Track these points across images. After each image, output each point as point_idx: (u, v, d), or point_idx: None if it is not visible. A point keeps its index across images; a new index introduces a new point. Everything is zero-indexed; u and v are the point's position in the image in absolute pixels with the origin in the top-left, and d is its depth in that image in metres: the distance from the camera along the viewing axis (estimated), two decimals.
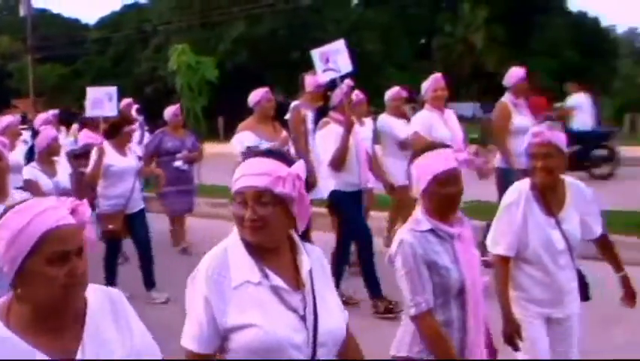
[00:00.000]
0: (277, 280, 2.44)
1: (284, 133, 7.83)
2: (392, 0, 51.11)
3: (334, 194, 7.06)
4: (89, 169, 7.72)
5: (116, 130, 7.71)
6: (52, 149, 7.40)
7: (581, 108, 16.89)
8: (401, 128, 9.16)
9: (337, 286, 6.61)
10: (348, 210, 7.11)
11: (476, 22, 52.54)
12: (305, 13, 42.74)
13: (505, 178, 7.47)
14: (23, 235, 2.06)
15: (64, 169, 7.62)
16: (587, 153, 15.57)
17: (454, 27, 53.04)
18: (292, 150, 7.74)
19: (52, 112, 11.41)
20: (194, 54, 27.76)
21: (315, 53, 7.33)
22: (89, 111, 7.84)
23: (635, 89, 50.98)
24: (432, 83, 7.89)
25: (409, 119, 9.05)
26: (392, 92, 9.97)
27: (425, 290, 3.30)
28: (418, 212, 3.44)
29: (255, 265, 2.45)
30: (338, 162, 6.86)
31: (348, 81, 7.47)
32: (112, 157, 7.62)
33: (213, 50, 34.78)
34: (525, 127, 7.52)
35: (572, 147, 10.36)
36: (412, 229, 3.40)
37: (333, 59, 7.24)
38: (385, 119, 9.48)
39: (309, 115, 8.02)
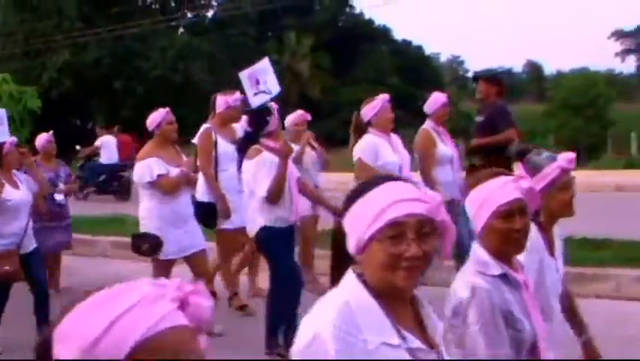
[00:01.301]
0: (416, 342, 2.13)
1: (185, 157, 7.59)
2: (217, 29, 53.29)
3: (264, 231, 6.48)
4: None
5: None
6: None
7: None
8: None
9: (271, 338, 6.61)
10: (278, 250, 6.56)
11: (302, 51, 56.62)
12: (129, 41, 44.84)
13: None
14: (102, 349, 1.28)
15: None
16: None
17: (280, 56, 56.19)
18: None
19: None
20: (16, 83, 28.30)
21: (244, 75, 7.03)
22: None
23: (458, 115, 54.77)
24: (377, 104, 7.39)
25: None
26: (294, 117, 9.68)
27: (504, 345, 2.93)
28: (481, 252, 3.07)
29: (389, 322, 2.09)
30: (275, 195, 6.31)
31: (273, 104, 7.12)
32: (6, 190, 7.06)
33: (37, 79, 35.87)
34: (449, 156, 7.88)
35: None
36: (481, 273, 3.02)
37: (263, 80, 7.02)
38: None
39: (219, 139, 7.88)
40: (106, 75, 44.45)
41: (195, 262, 7.42)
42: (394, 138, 7.54)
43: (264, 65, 7.22)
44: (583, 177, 20.09)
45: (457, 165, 8.10)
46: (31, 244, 7.39)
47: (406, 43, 69.42)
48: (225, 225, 7.91)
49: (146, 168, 7.14)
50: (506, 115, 8.61)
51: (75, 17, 44.35)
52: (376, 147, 7.31)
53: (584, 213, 11.57)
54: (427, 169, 7.83)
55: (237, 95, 7.94)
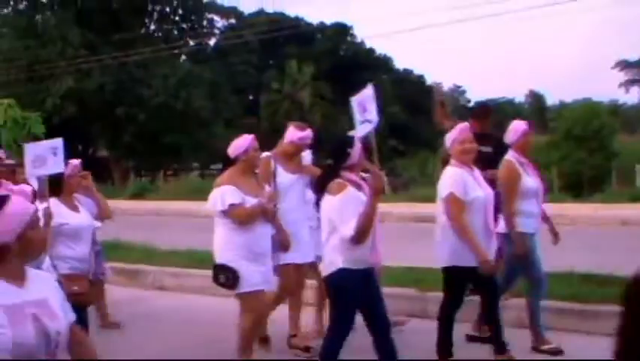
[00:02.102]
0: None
1: (267, 187, 7.10)
2: (219, 57, 54.31)
3: (341, 272, 5.89)
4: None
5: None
6: None
7: None
8: None
9: None
10: (349, 295, 5.96)
11: (303, 80, 57.40)
12: (132, 68, 45.80)
13: (512, 244, 7.21)
14: None
15: None
16: None
17: (281, 84, 57.65)
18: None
19: None
20: (20, 109, 29.14)
21: (355, 101, 6.87)
22: (31, 171, 7.05)
23: None
24: (457, 133, 6.87)
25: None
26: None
27: None
28: None
29: None
30: (363, 235, 5.78)
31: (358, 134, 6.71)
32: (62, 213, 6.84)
33: (41, 105, 36.76)
34: (535, 188, 7.41)
35: None
36: None
37: (370, 108, 6.79)
38: None
39: (280, 169, 7.56)
40: (108, 102, 45.49)
41: (252, 301, 6.84)
42: (477, 171, 6.90)
43: (370, 93, 6.88)
44: (588, 210, 19.22)
45: (542, 197, 7.60)
46: (101, 270, 7.17)
47: (407, 73, 70.40)
48: (287, 259, 7.37)
49: (219, 196, 6.73)
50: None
51: (78, 44, 45.43)
52: (465, 181, 6.67)
53: (589, 248, 11.17)
54: (508, 202, 7.28)
55: (309, 132, 7.58)
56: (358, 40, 66.35)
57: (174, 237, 14.22)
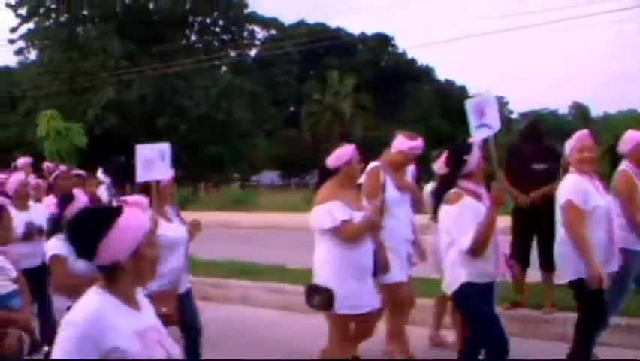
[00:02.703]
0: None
1: (365, 201, 6.63)
2: (260, 68, 54.39)
3: (466, 287, 5.74)
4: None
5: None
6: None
7: None
8: None
9: None
10: (480, 309, 5.85)
11: (344, 90, 57.17)
12: (173, 79, 45.98)
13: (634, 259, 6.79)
14: None
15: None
16: None
17: (322, 95, 57.50)
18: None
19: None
20: (62, 120, 29.32)
21: (470, 105, 6.40)
22: (141, 174, 6.65)
23: (505, 155, 54.79)
24: (575, 141, 6.58)
25: None
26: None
27: None
28: None
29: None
30: (481, 247, 5.65)
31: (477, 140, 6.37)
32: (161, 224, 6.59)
33: (82, 116, 37.09)
34: None
35: None
36: None
37: (489, 113, 6.35)
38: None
39: (389, 181, 7.11)
40: (149, 112, 45.82)
41: (365, 322, 6.47)
42: (597, 180, 6.52)
43: (490, 97, 6.46)
44: None
45: None
46: (185, 284, 6.70)
47: (449, 84, 70.05)
48: (394, 278, 6.96)
49: (328, 212, 6.12)
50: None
51: (119, 56, 45.85)
52: (586, 189, 6.32)
53: None
54: (632, 213, 6.89)
55: (419, 142, 7.11)
56: (400, 50, 66.10)
57: (215, 247, 14.14)
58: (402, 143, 7.04)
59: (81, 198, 6.01)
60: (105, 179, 12.50)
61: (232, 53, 55.72)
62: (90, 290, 2.83)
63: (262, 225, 21.03)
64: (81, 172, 10.81)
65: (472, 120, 6.19)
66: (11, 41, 51.17)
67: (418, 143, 7.03)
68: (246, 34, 57.20)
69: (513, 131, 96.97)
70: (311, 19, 66.77)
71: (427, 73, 67.74)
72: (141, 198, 5.92)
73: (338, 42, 57.84)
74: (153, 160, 6.48)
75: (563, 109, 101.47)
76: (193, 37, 54.79)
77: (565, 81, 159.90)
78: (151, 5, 50.93)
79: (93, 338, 2.70)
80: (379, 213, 6.48)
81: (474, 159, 5.74)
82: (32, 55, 52.40)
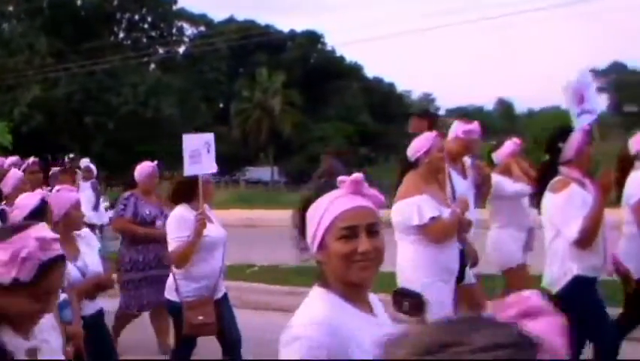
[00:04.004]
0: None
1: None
2: (189, 65, 54.24)
3: (576, 282, 5.26)
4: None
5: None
6: None
7: None
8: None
9: None
10: (594, 304, 5.40)
11: (273, 87, 57.51)
12: (101, 77, 45.76)
13: None
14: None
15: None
16: None
17: (251, 92, 57.74)
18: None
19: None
20: None
21: (567, 91, 5.81)
22: (189, 168, 6.00)
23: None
24: None
25: None
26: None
27: None
28: None
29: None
30: (589, 238, 5.25)
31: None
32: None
33: (8, 114, 36.53)
34: None
35: None
36: None
37: (589, 97, 5.80)
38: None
39: (452, 172, 6.53)
40: (77, 110, 45.43)
41: None
42: None
43: (587, 79, 5.90)
44: None
45: None
46: (222, 289, 6.17)
47: (378, 81, 70.52)
48: (472, 277, 6.51)
49: (415, 208, 5.56)
50: None
51: (46, 53, 45.32)
52: None
53: None
54: None
55: (476, 125, 6.73)
56: (329, 48, 66.54)
57: None
58: (457, 128, 6.68)
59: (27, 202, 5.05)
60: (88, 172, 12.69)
61: (161, 50, 55.50)
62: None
63: None
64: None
65: (573, 108, 5.75)
66: None
67: (475, 126, 6.70)
68: (174, 30, 56.98)
69: (440, 127, 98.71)
70: (240, 16, 66.76)
71: (355, 70, 68.12)
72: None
73: (267, 39, 57.89)
74: (200, 152, 5.97)
75: (488, 106, 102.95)
76: (121, 34, 54.39)
77: (490, 78, 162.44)
78: (78, 2, 50.37)
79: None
80: (466, 208, 5.93)
81: (572, 146, 5.40)
82: None
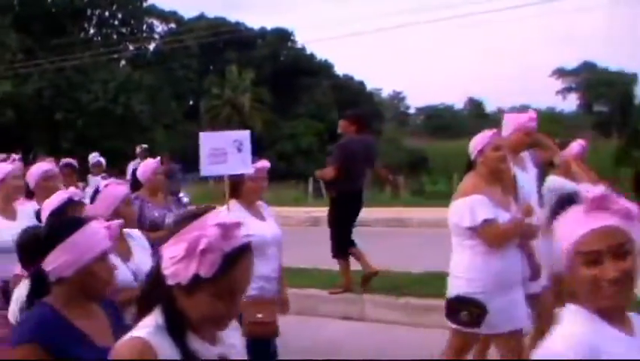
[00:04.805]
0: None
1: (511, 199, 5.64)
2: (159, 62, 54.41)
3: None
4: None
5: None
6: None
7: None
8: None
9: None
10: None
11: (243, 85, 57.67)
12: (71, 73, 45.90)
13: None
14: None
15: None
16: None
17: (221, 89, 57.81)
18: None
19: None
20: None
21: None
22: (206, 168, 5.84)
23: (399, 151, 55.62)
24: None
25: None
26: None
27: None
28: None
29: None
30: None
31: None
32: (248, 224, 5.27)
33: None
34: None
35: None
36: None
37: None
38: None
39: (515, 168, 6.03)
40: (46, 107, 45.54)
41: (510, 342, 5.37)
42: None
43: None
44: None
45: None
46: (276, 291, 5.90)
47: (348, 78, 70.72)
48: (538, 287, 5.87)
49: (468, 208, 5.29)
50: (339, 151, 9.78)
51: (16, 49, 45.35)
52: None
53: None
54: None
55: (532, 113, 6.33)
56: (299, 45, 66.83)
57: None
58: (515, 119, 6.26)
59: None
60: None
61: (131, 47, 55.57)
62: None
63: None
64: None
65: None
66: None
67: (530, 115, 6.29)
68: (144, 27, 57.10)
69: (410, 125, 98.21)
70: (211, 14, 66.92)
71: (325, 68, 68.41)
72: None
73: (238, 37, 58.11)
74: (226, 150, 5.69)
75: (459, 104, 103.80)
76: (91, 31, 54.46)
77: (460, 77, 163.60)
78: None
79: None
80: (529, 214, 5.46)
81: None
82: None
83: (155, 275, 2.17)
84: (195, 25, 59.81)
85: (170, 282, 2.11)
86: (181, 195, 10.63)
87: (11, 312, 3.82)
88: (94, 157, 13.68)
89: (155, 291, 2.18)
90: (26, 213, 5.63)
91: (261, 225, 5.63)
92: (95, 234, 2.93)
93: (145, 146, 15.28)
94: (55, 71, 44.79)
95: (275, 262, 5.77)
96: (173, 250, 2.10)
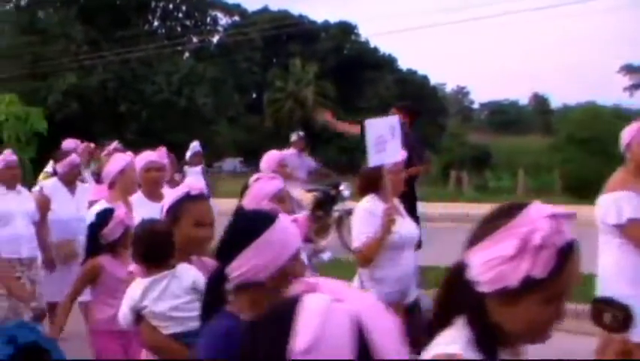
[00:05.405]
0: None
1: None
2: (223, 54, 54.38)
3: None
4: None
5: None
6: None
7: None
8: None
9: None
10: None
11: (306, 78, 57.32)
12: (135, 65, 45.89)
13: None
14: None
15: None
16: None
17: (284, 82, 57.51)
18: None
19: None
20: (22, 105, 29.13)
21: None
22: (374, 158, 5.27)
23: (463, 147, 55.02)
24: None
25: None
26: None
27: None
28: None
29: None
30: None
31: None
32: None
33: (44, 101, 36.81)
34: None
35: None
36: None
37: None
38: None
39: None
40: (111, 98, 45.65)
41: None
42: None
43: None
44: (590, 211, 20.58)
45: None
46: (414, 293, 5.44)
47: (411, 73, 70.17)
48: None
49: (614, 205, 4.97)
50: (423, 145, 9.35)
51: (81, 41, 45.64)
52: None
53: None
54: None
55: None
56: (362, 39, 66.27)
57: None
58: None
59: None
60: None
61: (195, 39, 55.59)
62: None
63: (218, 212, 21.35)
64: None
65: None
66: None
67: None
68: (208, 20, 57.12)
69: (474, 120, 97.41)
70: (274, 6, 66.73)
71: (389, 62, 67.83)
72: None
73: (301, 29, 57.86)
74: (385, 138, 5.23)
75: (524, 100, 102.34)
76: (156, 23, 54.63)
77: (525, 72, 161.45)
78: None
79: None
80: None
81: None
82: None
83: (456, 282, 1.91)
84: (259, 18, 59.70)
85: (486, 288, 1.84)
86: (341, 187, 10.55)
87: (122, 314, 3.62)
88: (194, 147, 12.65)
89: (458, 299, 1.91)
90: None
91: (400, 222, 5.19)
92: (287, 230, 2.60)
93: (301, 133, 14.04)
94: (119, 63, 44.92)
95: (411, 260, 5.36)
96: (493, 252, 1.82)
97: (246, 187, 4.51)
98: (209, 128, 47.68)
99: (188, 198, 3.78)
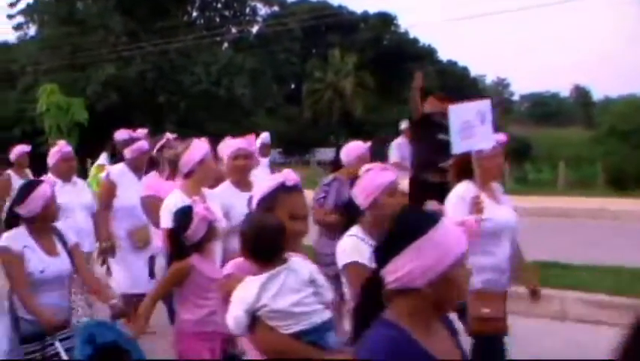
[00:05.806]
0: None
1: None
2: (262, 45, 54.20)
3: None
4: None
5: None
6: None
7: None
8: None
9: None
10: None
11: (346, 69, 57.00)
12: (174, 56, 45.71)
13: None
14: None
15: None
16: None
17: (323, 73, 57.19)
18: None
19: None
20: (63, 95, 29.08)
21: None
22: (459, 144, 5.18)
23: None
24: None
25: None
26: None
27: None
28: None
29: None
30: None
31: None
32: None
33: (82, 92, 36.81)
34: None
35: None
36: None
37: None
38: None
39: None
40: (150, 89, 45.57)
41: None
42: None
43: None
44: (632, 205, 18.14)
45: None
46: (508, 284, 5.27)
47: (451, 64, 69.77)
48: None
49: None
50: None
51: (120, 32, 45.59)
52: None
53: (634, 243, 10.81)
54: None
55: None
56: (402, 29, 65.79)
57: None
58: None
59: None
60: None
61: (233, 30, 55.46)
62: None
63: None
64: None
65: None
66: (10, 16, 50.87)
67: None
68: (247, 10, 56.89)
69: (514, 112, 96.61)
70: None
71: (429, 53, 67.39)
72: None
73: (340, 20, 57.60)
74: (473, 124, 5.07)
75: (565, 92, 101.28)
76: (194, 14, 54.52)
77: (566, 64, 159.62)
78: None
79: None
80: None
81: None
82: (32, 30, 52.12)
83: None
84: (298, 9, 59.47)
85: None
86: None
87: (233, 320, 3.28)
88: (264, 138, 11.96)
89: None
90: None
91: (495, 209, 5.00)
92: (450, 233, 2.33)
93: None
94: (158, 53, 44.81)
95: (508, 250, 5.09)
96: None
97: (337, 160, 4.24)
98: (248, 119, 47.50)
99: (283, 188, 3.47)
